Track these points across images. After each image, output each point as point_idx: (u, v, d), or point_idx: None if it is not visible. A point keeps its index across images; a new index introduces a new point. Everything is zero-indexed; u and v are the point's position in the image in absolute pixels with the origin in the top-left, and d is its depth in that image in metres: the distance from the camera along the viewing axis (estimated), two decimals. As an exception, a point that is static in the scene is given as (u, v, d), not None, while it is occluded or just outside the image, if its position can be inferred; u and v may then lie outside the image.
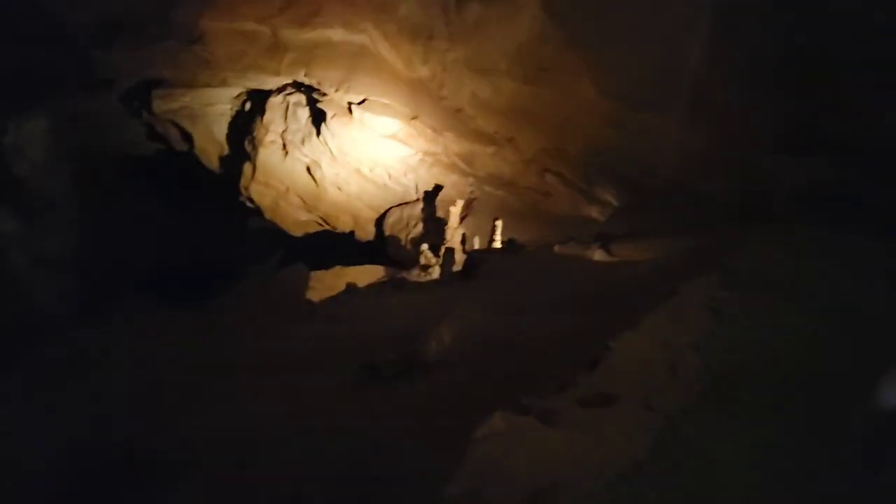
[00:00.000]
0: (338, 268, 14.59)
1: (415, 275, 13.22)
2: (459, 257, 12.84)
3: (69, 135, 17.48)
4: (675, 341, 3.15)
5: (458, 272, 9.02)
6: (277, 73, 14.48)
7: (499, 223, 12.14)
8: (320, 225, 17.11)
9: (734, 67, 12.06)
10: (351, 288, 9.63)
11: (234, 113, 16.98)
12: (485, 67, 14.27)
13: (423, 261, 13.20)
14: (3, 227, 5.55)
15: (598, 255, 11.18)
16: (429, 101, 14.77)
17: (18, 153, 5.39)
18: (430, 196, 14.99)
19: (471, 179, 14.81)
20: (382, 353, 4.87)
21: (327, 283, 13.58)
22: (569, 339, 4.45)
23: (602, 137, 13.76)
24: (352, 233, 16.81)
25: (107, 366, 5.83)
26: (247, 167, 16.45)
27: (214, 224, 20.74)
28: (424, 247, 13.40)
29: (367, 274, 14.25)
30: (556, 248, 11.19)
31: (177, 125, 17.41)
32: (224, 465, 4.11)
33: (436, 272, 12.67)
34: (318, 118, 15.25)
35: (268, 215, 17.00)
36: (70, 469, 4.30)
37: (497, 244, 12.03)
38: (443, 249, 13.04)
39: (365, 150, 14.85)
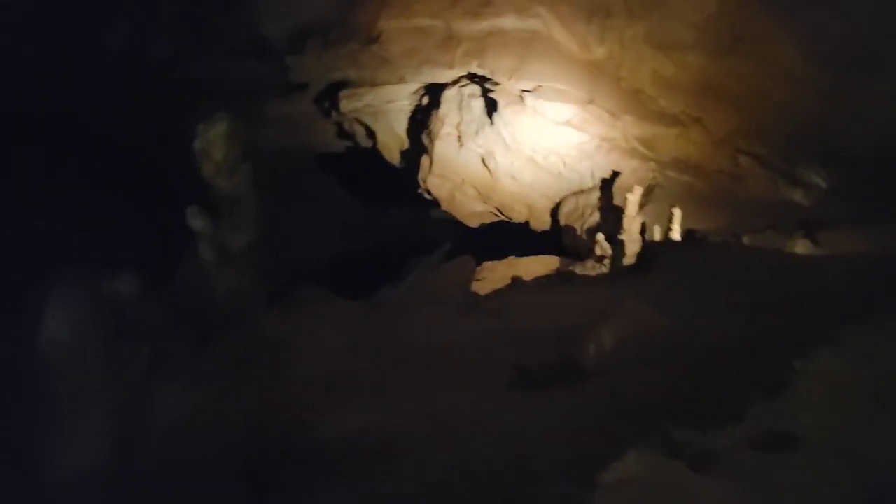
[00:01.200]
0: (511, 258, 14.46)
1: (589, 266, 12.63)
2: (634, 249, 12.04)
3: (260, 137, 19.33)
4: (889, 365, 2.46)
5: (631, 265, 8.33)
6: (451, 66, 14.56)
7: (676, 211, 11.13)
8: (495, 215, 17.06)
9: None
10: (517, 281, 9.37)
11: (412, 108, 17.45)
12: (668, 42, 13.15)
13: (598, 251, 12.58)
14: (194, 223, 6.08)
15: (802, 245, 9.84)
16: (605, 83, 13.98)
17: (204, 156, 5.89)
18: (608, 183, 14.24)
19: (652, 164, 13.81)
20: (537, 354, 4.55)
21: (499, 273, 13.49)
22: (751, 353, 3.80)
23: (807, 111, 12.05)
24: (527, 223, 16.56)
25: (280, 356, 6.14)
26: (424, 160, 16.84)
27: (398, 216, 21.74)
28: (600, 237, 12.77)
29: (541, 264, 13.94)
30: (747, 239, 9.99)
31: (362, 123, 18.32)
32: (366, 468, 4.07)
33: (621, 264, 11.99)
34: (491, 108, 15.14)
35: (444, 207, 17.31)
36: (224, 463, 4.54)
37: (675, 235, 11.05)
38: (623, 240, 12.30)
39: (538, 139, 14.47)
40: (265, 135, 19.88)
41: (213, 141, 5.87)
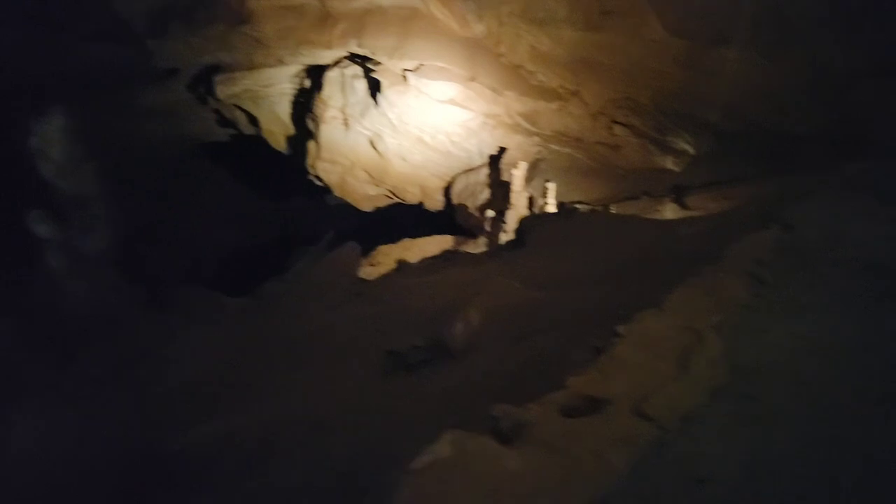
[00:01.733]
0: (406, 240, 14.43)
1: (481, 243, 12.85)
2: (512, 225, 12.33)
3: (136, 127, 18.27)
4: (698, 324, 2.62)
5: (509, 241, 8.51)
6: (329, 46, 14.25)
7: (550, 185, 11.48)
8: (389, 198, 16.97)
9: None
10: (403, 264, 9.36)
11: (295, 91, 16.98)
12: (542, 17, 13.42)
13: (487, 228, 12.79)
14: (38, 229, 5.62)
15: (671, 209, 10.39)
16: (486, 60, 14.12)
17: (42, 155, 5.42)
18: (496, 160, 14.45)
19: (536, 139, 14.12)
20: (410, 337, 4.56)
21: (393, 256, 13.42)
22: (594, 319, 3.96)
23: (674, 81, 12.67)
24: (421, 204, 16.58)
25: (152, 363, 5.85)
26: (311, 145, 16.48)
27: (295, 204, 21.15)
28: (489, 213, 12.97)
29: (435, 245, 14.01)
30: (614, 208, 10.45)
31: (242, 109, 17.64)
32: (238, 470, 3.96)
33: (502, 239, 12.24)
34: (375, 89, 14.97)
35: (336, 192, 17.04)
36: (91, 487, 4.29)
37: (550, 208, 11.39)
38: (508, 215, 12.56)
39: (424, 118, 14.46)
40: (141, 125, 18.83)
41: (50, 138, 5.41)
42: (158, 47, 14.39)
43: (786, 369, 2.40)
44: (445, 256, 8.54)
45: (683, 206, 10.50)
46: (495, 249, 7.16)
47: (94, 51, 15.38)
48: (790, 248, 3.52)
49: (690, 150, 12.91)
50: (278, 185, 20.53)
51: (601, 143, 13.61)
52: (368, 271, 11.98)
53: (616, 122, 13.29)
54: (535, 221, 8.07)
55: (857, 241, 3.47)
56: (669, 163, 12.96)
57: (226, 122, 19.15)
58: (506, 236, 12.21)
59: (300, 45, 14.30)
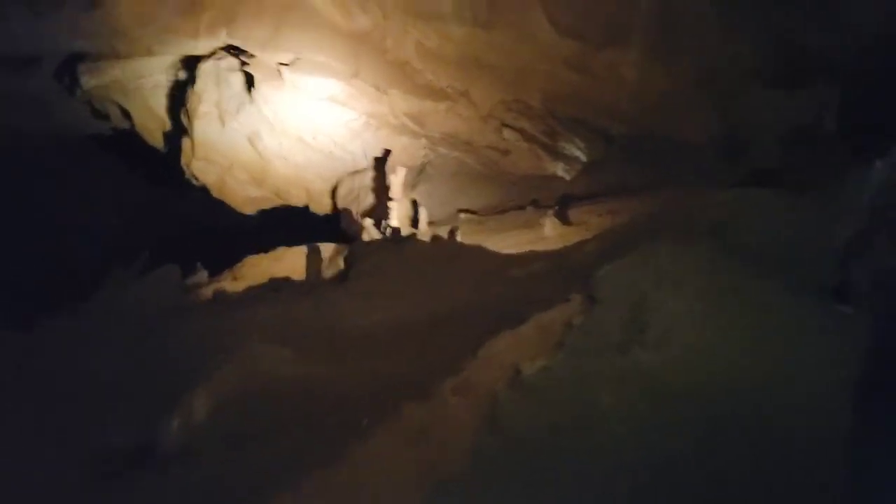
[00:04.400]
0: (280, 249, 13.18)
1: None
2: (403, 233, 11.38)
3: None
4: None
5: (334, 273, 7.43)
6: (196, 36, 12.86)
7: (422, 210, 10.55)
8: (273, 200, 15.72)
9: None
10: (219, 294, 8.18)
11: (171, 84, 15.47)
12: (429, 11, 12.45)
13: (364, 237, 11.76)
14: None
15: (550, 225, 9.64)
16: (371, 55, 13.06)
17: None
18: (381, 163, 13.44)
19: (423, 141, 13.19)
20: (126, 431, 3.50)
21: (261, 269, 12.20)
22: (367, 403, 3.01)
23: (565, 83, 11.96)
24: (307, 207, 15.41)
25: None
26: (185, 142, 15.04)
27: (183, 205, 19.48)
28: (367, 222, 11.96)
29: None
30: (495, 222, 9.64)
31: (113, 101, 16.00)
32: None
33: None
34: (251, 84, 13.69)
35: (215, 193, 15.64)
36: None
37: (422, 226, 10.49)
38: (385, 225, 11.60)
39: (303, 117, 13.30)
40: (5, 116, 16.94)
41: None
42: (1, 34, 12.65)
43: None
44: (272, 285, 7.40)
45: (564, 221, 9.77)
46: (315, 282, 6.15)
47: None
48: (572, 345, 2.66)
49: (582, 156, 12.26)
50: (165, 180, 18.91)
51: (491, 148, 12.80)
52: (228, 286, 10.73)
53: (506, 126, 12.50)
54: (365, 250, 7.06)
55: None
56: (560, 170, 12.28)
57: (99, 114, 17.42)
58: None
59: (163, 34, 12.86)
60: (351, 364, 3.77)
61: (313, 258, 6.52)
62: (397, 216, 11.61)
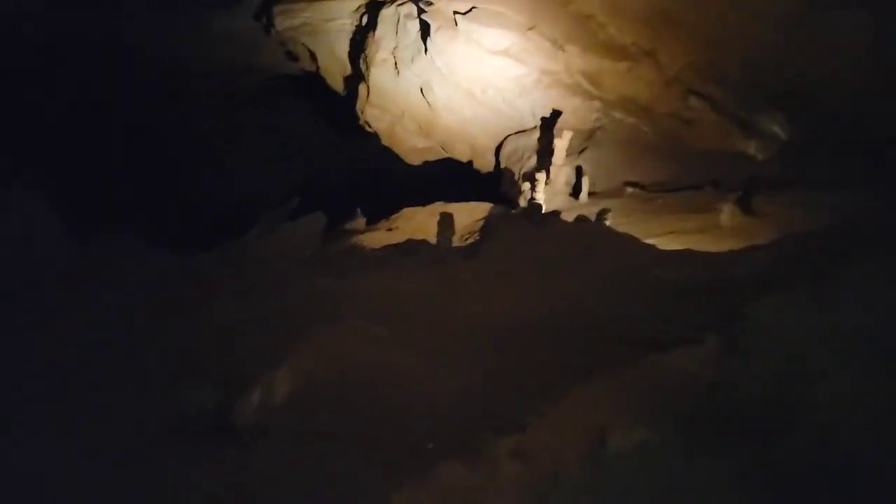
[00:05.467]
0: (438, 203, 13.07)
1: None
2: (556, 203, 10.68)
3: (215, 54, 17.79)
4: None
5: (467, 245, 6.83)
6: (379, -21, 12.80)
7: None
8: (438, 153, 15.60)
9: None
10: (355, 249, 8.01)
11: (354, 29, 15.71)
12: (620, -41, 11.26)
13: (521, 202, 11.22)
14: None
15: (728, 213, 8.43)
16: (551, 6, 12.16)
17: None
18: (549, 123, 12.66)
19: (597, 104, 12.17)
20: (199, 393, 3.39)
21: (417, 221, 12.18)
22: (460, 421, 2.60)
23: (770, 48, 10.25)
24: (470, 163, 15.11)
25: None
26: (361, 88, 15.26)
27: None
28: (525, 186, 11.34)
29: (468, 213, 12.56)
30: (667, 198, 8.56)
31: (303, 44, 16.66)
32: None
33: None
34: (426, 32, 13.43)
35: (385, 141, 15.83)
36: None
37: (583, 197, 9.59)
38: (543, 191, 10.93)
39: (475, 69, 12.82)
40: (215, 51, 18.44)
41: None
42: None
43: None
44: (406, 247, 7.08)
45: (746, 210, 8.48)
46: (443, 253, 5.74)
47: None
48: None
49: (781, 134, 10.58)
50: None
51: (673, 116, 11.48)
52: (379, 238, 10.82)
53: (693, 93, 11.10)
54: (502, 224, 6.44)
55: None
56: (752, 148, 10.71)
57: (292, 55, 18.32)
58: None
59: (346, -24, 12.94)
60: (445, 361, 3.34)
61: (445, 225, 6.13)
62: (559, 182, 10.88)
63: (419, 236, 10.31)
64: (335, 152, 19.94)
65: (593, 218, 6.63)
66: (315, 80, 18.50)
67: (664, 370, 2.29)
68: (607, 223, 6.51)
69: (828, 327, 2.39)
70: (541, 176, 9.82)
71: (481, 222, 11.58)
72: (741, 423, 1.81)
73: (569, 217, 6.96)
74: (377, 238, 10.60)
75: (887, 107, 9.82)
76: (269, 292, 4.83)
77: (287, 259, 6.14)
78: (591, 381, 2.30)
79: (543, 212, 10.03)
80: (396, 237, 10.63)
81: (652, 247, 5.26)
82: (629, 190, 10.76)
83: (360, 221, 11.57)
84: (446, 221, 6.10)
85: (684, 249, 5.03)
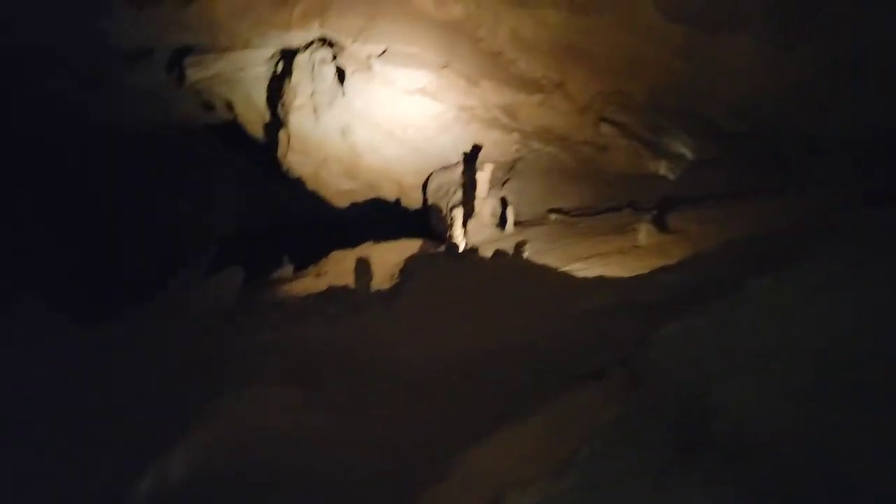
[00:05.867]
0: (367, 244, 12.98)
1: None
2: (484, 235, 10.80)
3: (125, 108, 17.31)
4: None
5: (384, 289, 6.79)
6: (288, 27, 12.81)
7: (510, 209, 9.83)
8: (365, 193, 15.57)
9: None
10: (273, 301, 7.85)
11: (270, 76, 15.63)
12: (524, -3, 11.68)
13: (449, 237, 11.29)
14: None
15: (645, 232, 8.70)
16: (463, 45, 12.46)
17: None
18: (471, 158, 12.86)
19: (516, 136, 12.47)
20: (88, 484, 3.19)
21: (346, 265, 12.03)
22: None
23: (672, 73, 10.79)
24: (398, 201, 15.14)
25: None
26: (282, 135, 15.14)
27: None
28: (456, 219, 11.44)
29: (397, 251, 12.52)
30: (588, 223, 8.78)
31: (218, 94, 16.43)
32: None
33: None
34: (342, 76, 13.51)
35: (309, 185, 15.70)
36: None
37: (509, 228, 9.76)
38: (469, 224, 11.06)
39: (392, 110, 12.95)
40: (133, 105, 17.95)
41: None
42: (108, 27, 13.21)
43: None
44: (327, 295, 6.95)
45: (662, 228, 8.78)
46: (363, 298, 5.68)
47: (59, 29, 14.49)
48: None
49: (689, 154, 11.08)
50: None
51: (588, 143, 11.87)
52: (306, 285, 10.62)
53: (604, 120, 11.51)
54: (424, 263, 6.45)
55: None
56: (663, 168, 11.17)
57: (208, 106, 18.03)
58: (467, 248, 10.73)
59: (256, 26, 12.91)
60: (358, 423, 3.25)
61: (363, 270, 6.06)
62: (484, 214, 11.02)
63: (346, 281, 10.21)
64: (259, 201, 19.59)
65: (512, 251, 6.71)
66: (233, 129, 18.28)
67: (570, 412, 2.30)
68: (525, 255, 6.60)
69: (731, 351, 2.44)
70: (458, 213, 9.93)
71: (408, 260, 11.57)
72: (642, 466, 1.79)
73: (489, 251, 7.02)
74: (303, 285, 10.42)
75: (783, 121, 10.45)
76: (177, 358, 4.66)
77: (201, 318, 5.95)
78: (497, 433, 2.28)
79: (462, 249, 10.15)
80: (322, 284, 10.45)
81: (568, 276, 5.33)
82: (553, 217, 11.00)
83: (288, 270, 11.37)
84: (363, 267, 6.04)
85: (597, 277, 5.11)
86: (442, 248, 9.71)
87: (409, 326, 4.44)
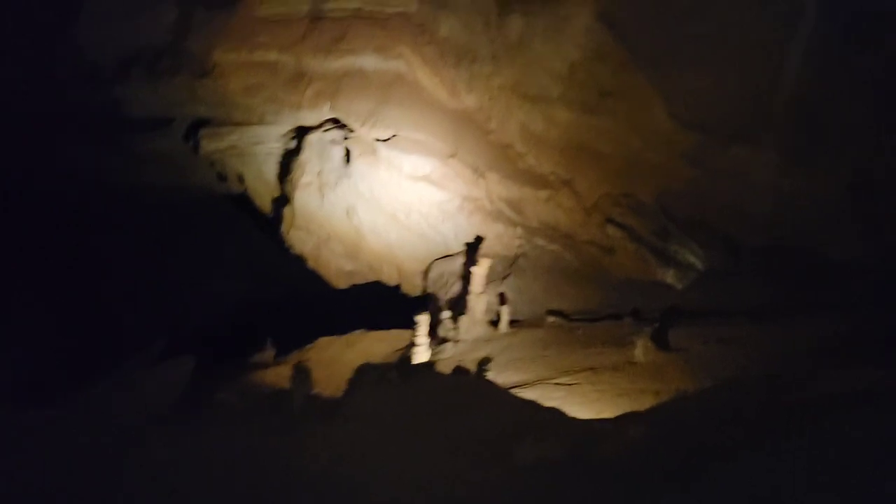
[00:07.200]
0: (356, 333, 12.43)
1: (429, 350, 10.72)
2: (475, 332, 10.24)
3: (142, 173, 17.38)
4: None
5: (328, 401, 6.14)
6: (299, 108, 12.86)
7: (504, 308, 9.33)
8: (365, 276, 15.18)
9: (844, 83, 8.39)
10: (217, 404, 7.21)
11: (282, 152, 15.66)
12: (535, 93, 11.59)
13: (440, 332, 10.71)
14: None
15: (642, 349, 8.06)
16: (472, 135, 12.34)
17: None
18: (473, 249, 12.46)
19: (519, 230, 12.08)
20: None
21: (331, 354, 11.51)
22: None
23: (682, 180, 10.44)
24: (398, 287, 14.69)
25: None
26: (287, 211, 14.99)
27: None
28: (445, 315, 10.89)
29: (387, 343, 11.97)
30: (585, 330, 8.19)
31: (231, 165, 16.48)
32: None
33: (447, 352, 10.21)
34: (349, 157, 13.41)
35: (310, 264, 15.38)
36: None
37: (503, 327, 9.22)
38: (461, 321, 10.53)
39: (396, 194, 12.74)
40: (142, 171, 18.05)
41: None
42: (124, 94, 13.39)
43: None
44: (274, 404, 6.28)
45: (661, 345, 8.14)
46: (301, 412, 5.08)
47: (72, 94, 14.74)
48: None
49: (698, 264, 10.53)
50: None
51: (593, 244, 11.42)
52: (273, 376, 10.05)
53: (611, 221, 11.09)
54: (372, 378, 5.86)
55: None
56: (671, 277, 10.61)
57: (221, 176, 18.12)
58: (452, 348, 10.17)
59: (267, 104, 12.97)
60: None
61: (301, 379, 5.51)
62: (478, 311, 10.48)
63: (329, 371, 9.63)
64: (261, 276, 19.30)
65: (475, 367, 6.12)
66: (245, 201, 18.27)
67: None
68: (488, 375, 6.01)
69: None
70: (472, 298, 9.46)
71: (399, 353, 10.99)
72: None
73: (449, 367, 6.44)
74: (274, 376, 9.86)
75: (798, 237, 9.95)
76: (87, 470, 4.09)
77: (132, 417, 5.41)
78: None
79: (420, 362, 9.61)
80: (284, 378, 9.60)
81: (527, 406, 4.72)
82: (550, 319, 10.43)
83: (269, 354, 10.84)
84: (302, 375, 5.50)
85: (554, 415, 4.49)
86: (396, 361, 9.18)
87: (337, 457, 3.85)
